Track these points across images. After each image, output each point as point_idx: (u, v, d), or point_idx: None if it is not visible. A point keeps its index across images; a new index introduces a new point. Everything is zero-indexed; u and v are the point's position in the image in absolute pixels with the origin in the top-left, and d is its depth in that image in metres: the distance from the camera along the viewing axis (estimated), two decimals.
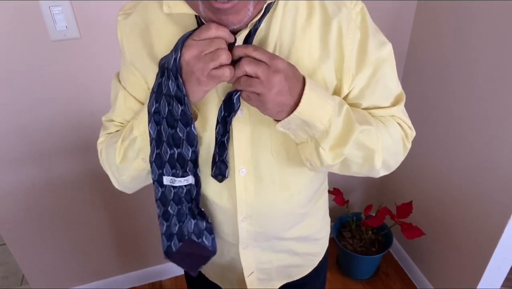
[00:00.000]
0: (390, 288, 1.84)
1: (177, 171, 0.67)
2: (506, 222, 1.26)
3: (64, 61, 1.25)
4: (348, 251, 1.75)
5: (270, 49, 0.62)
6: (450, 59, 1.40)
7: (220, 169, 0.68)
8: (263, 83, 0.54)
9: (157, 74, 0.61)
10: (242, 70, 0.55)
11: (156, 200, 0.71)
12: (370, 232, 1.81)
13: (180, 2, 0.59)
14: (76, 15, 1.18)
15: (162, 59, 0.60)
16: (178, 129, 0.63)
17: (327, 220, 0.95)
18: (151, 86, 0.65)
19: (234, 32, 0.58)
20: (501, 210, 1.27)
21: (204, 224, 0.73)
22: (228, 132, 0.64)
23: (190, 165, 0.66)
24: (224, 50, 0.54)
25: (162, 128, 0.63)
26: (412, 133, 0.74)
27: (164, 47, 0.64)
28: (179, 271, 1.90)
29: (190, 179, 0.68)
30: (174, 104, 0.60)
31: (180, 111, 0.60)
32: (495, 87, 1.23)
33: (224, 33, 0.55)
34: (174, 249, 0.75)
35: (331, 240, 1.05)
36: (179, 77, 0.57)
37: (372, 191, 2.02)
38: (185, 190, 0.69)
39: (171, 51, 0.58)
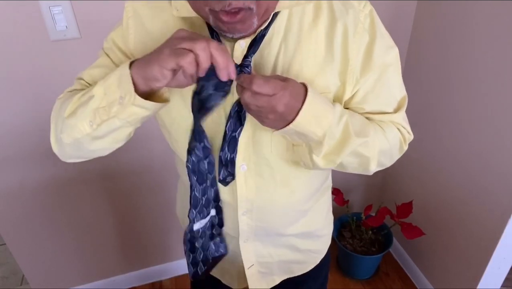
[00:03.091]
0: (390, 288, 1.84)
1: (204, 214, 0.73)
2: (506, 222, 1.26)
3: (64, 61, 1.25)
4: (348, 251, 1.75)
5: (274, 51, 0.62)
6: (450, 59, 1.40)
7: (228, 170, 0.69)
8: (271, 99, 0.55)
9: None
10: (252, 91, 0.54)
11: (184, 241, 0.78)
12: (370, 232, 1.81)
13: (187, 3, 0.60)
14: (76, 15, 1.18)
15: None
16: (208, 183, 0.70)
17: (330, 218, 0.95)
18: None
19: (241, 38, 0.60)
20: (501, 210, 1.27)
21: (218, 238, 0.79)
22: (243, 124, 0.65)
23: (213, 203, 0.73)
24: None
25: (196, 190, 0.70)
26: (410, 137, 0.75)
27: None
28: (179, 271, 1.90)
29: (212, 212, 0.74)
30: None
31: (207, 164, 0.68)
32: (495, 87, 1.23)
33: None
34: (200, 273, 0.80)
35: (331, 239, 1.05)
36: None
37: (372, 191, 2.02)
38: (208, 224, 0.75)
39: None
